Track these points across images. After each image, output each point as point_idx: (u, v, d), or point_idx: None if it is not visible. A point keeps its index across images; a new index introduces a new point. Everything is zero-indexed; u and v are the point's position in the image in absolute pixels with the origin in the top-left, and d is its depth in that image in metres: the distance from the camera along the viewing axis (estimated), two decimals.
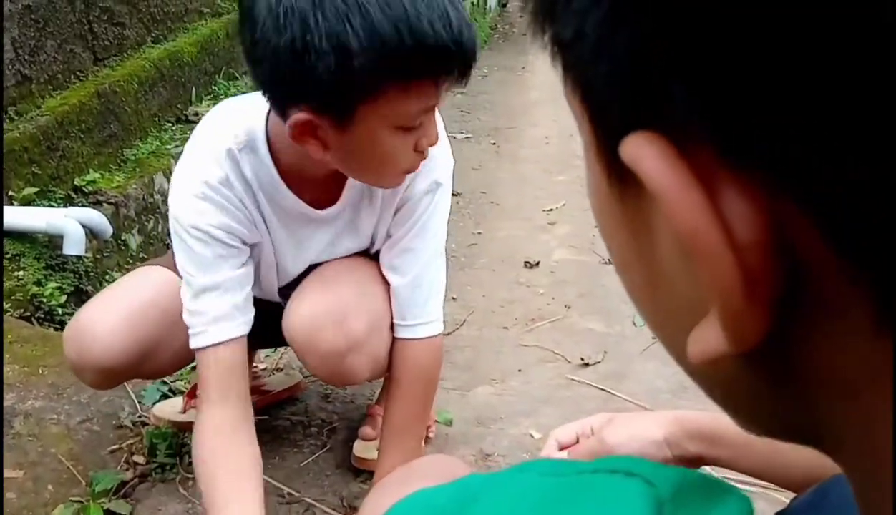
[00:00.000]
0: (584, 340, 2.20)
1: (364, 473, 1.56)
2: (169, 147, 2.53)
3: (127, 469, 1.56)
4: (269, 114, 1.15)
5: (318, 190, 1.24)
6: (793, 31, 0.18)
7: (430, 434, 1.66)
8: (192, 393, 1.57)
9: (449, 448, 1.68)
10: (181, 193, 1.17)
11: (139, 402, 1.73)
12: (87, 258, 2.13)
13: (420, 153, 1.10)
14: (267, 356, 1.97)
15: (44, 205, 2.10)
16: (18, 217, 2.00)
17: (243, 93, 1.54)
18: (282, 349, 1.89)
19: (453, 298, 2.46)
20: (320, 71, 0.93)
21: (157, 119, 2.53)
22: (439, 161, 1.26)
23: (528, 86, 6.69)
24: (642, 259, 0.27)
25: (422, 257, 1.29)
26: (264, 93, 1.04)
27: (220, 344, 1.18)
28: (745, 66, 0.19)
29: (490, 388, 1.95)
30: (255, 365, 1.84)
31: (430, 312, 1.31)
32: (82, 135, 2.20)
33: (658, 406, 1.84)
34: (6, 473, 1.44)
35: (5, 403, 1.59)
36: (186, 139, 1.26)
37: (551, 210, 3.42)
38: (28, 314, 1.96)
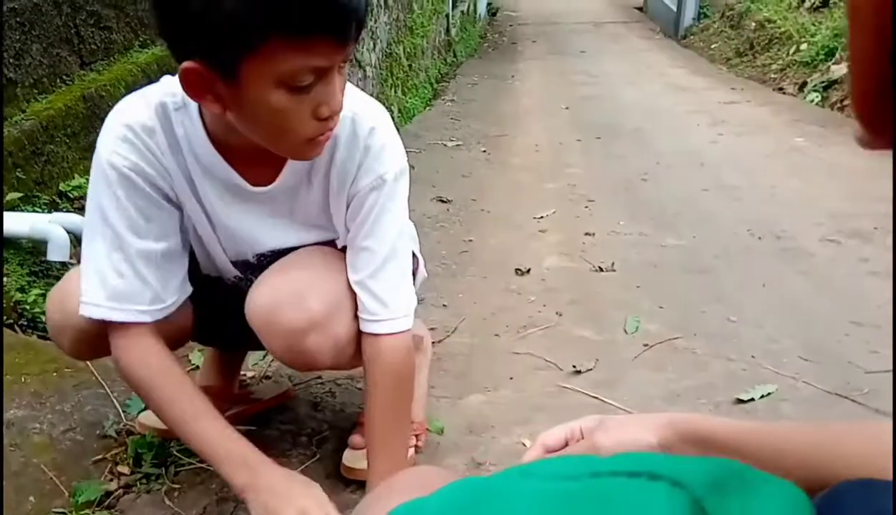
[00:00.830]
0: (575, 348, 2.19)
1: (354, 483, 1.53)
2: None
3: (111, 480, 1.53)
4: None
5: (257, 166, 1.23)
6: None
7: (420, 443, 1.64)
8: None
9: (440, 457, 1.65)
10: (104, 133, 1.20)
11: (124, 411, 1.70)
12: (71, 264, 2.10)
13: (323, 121, 1.08)
14: (255, 364, 1.95)
15: (28, 211, 2.07)
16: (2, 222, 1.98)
17: None
18: (270, 357, 1.87)
19: (444, 305, 2.45)
20: (195, 15, 0.96)
21: None
22: (384, 155, 1.25)
23: (519, 94, 6.70)
24: None
25: (378, 255, 1.28)
26: (169, 49, 1.06)
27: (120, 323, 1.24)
28: None
29: (482, 396, 1.93)
30: (242, 373, 1.82)
31: (394, 309, 1.29)
32: (68, 140, 2.18)
33: (650, 413, 1.82)
34: None
35: None
36: None
37: (542, 217, 3.41)
38: (11, 321, 1.93)
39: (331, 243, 1.37)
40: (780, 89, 6.24)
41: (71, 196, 2.19)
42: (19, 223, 1.99)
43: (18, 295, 1.97)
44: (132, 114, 1.19)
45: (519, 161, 4.46)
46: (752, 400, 1.89)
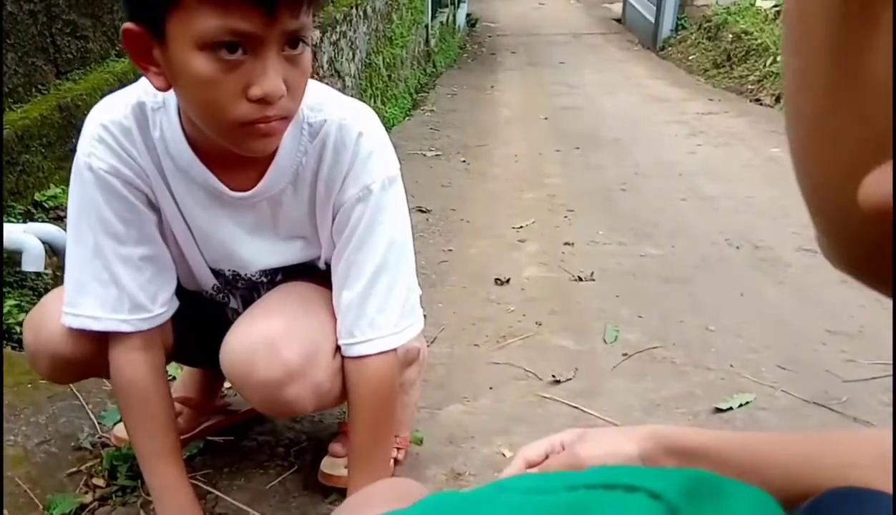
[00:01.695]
0: (555, 357, 2.19)
1: (333, 493, 1.53)
2: None
3: (86, 493, 1.51)
4: None
5: (238, 170, 1.19)
6: None
7: (400, 457, 1.63)
8: None
9: (420, 468, 1.65)
10: (83, 133, 1.18)
11: (99, 423, 1.68)
12: (46, 275, 2.08)
13: (257, 105, 0.99)
14: None
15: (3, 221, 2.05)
16: None
17: None
18: None
19: (424, 315, 2.44)
20: None
21: None
22: (371, 162, 1.20)
23: (498, 104, 6.72)
24: (843, 59, 0.24)
25: (366, 270, 1.23)
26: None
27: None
28: None
29: (461, 406, 1.93)
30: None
31: (380, 327, 1.24)
32: (43, 150, 2.15)
33: (629, 423, 1.83)
34: None
35: None
36: None
37: (521, 227, 3.42)
38: None
39: (314, 261, 1.34)
40: (757, 100, 6.31)
41: (46, 206, 2.17)
42: None
43: None
44: (109, 115, 1.17)
45: (498, 171, 4.47)
46: (731, 408, 1.90)
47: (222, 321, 1.39)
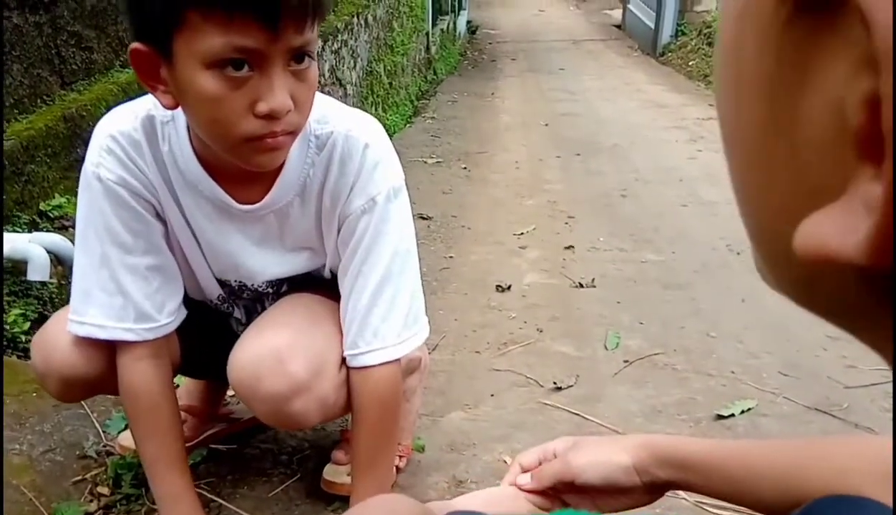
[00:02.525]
0: (556, 364, 2.20)
1: (336, 501, 1.53)
2: None
3: (91, 501, 1.52)
4: None
5: (245, 184, 1.20)
6: None
7: (402, 464, 1.63)
8: None
9: (421, 475, 1.66)
10: (91, 143, 1.19)
11: (104, 431, 1.69)
12: (51, 284, 2.09)
13: (263, 121, 1.00)
14: None
15: (8, 231, 2.06)
16: None
17: None
18: None
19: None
20: None
21: None
22: (377, 173, 1.21)
23: (498, 111, 6.73)
24: (776, 105, 0.24)
25: (371, 281, 1.23)
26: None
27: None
28: None
29: (463, 413, 1.94)
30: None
31: (383, 337, 1.25)
32: (48, 160, 2.17)
33: (631, 430, 1.84)
34: None
35: None
36: None
37: (522, 234, 3.43)
38: None
39: (319, 270, 1.35)
40: None
41: (51, 215, 2.18)
42: None
43: None
44: (118, 126, 1.18)
45: (499, 177, 4.49)
46: (733, 415, 1.91)
47: (226, 331, 1.40)
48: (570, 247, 3.24)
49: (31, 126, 2.15)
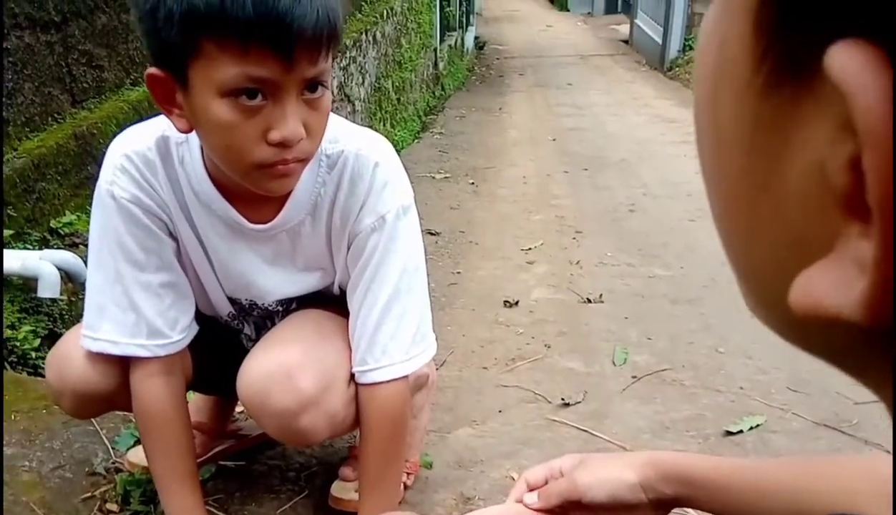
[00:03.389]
0: (564, 380, 2.20)
1: None
2: None
3: None
4: None
5: (258, 203, 1.21)
6: None
7: (409, 481, 1.63)
8: None
9: (429, 492, 1.65)
10: (106, 162, 1.20)
11: (113, 448, 1.70)
12: (61, 301, 2.11)
13: (275, 148, 1.01)
14: None
15: (19, 248, 2.08)
16: None
17: None
18: None
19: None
20: (147, 13, 0.97)
21: None
22: (386, 192, 1.22)
23: (506, 126, 6.75)
24: (758, 169, 0.24)
25: (380, 298, 1.24)
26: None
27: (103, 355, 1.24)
28: None
29: (470, 430, 1.94)
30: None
31: (391, 354, 1.26)
32: (59, 178, 2.19)
33: (639, 446, 1.83)
34: None
35: None
36: None
37: (530, 249, 3.44)
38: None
39: (329, 287, 1.36)
40: None
41: (62, 232, 2.20)
42: (10, 260, 2.00)
43: (9, 332, 1.97)
44: (133, 145, 1.19)
45: (506, 193, 4.50)
46: (741, 431, 1.90)
47: (236, 347, 1.41)
48: (578, 262, 3.24)
49: (42, 144, 2.17)
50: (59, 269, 2.02)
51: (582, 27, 15.49)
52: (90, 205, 1.28)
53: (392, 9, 6.05)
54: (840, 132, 0.20)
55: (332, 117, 1.21)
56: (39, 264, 1.99)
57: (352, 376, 1.28)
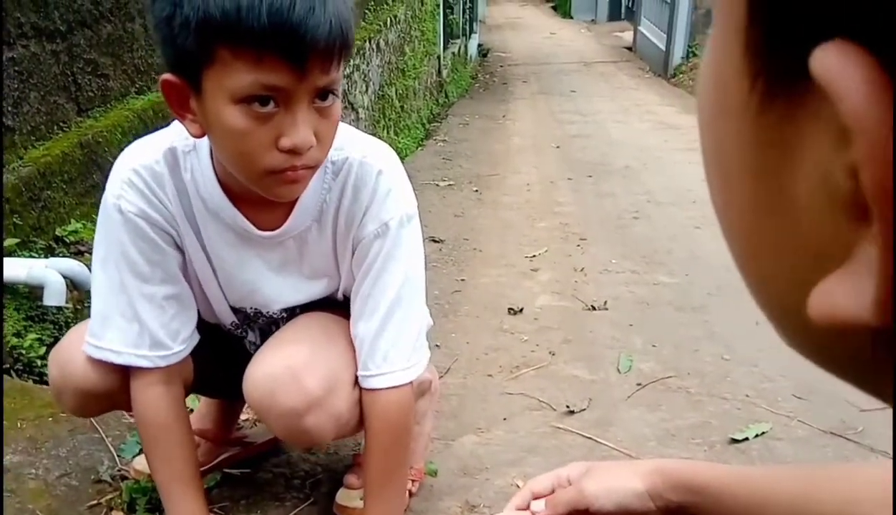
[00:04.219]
0: (569, 387, 2.20)
1: None
2: None
3: None
4: None
5: (266, 210, 1.22)
6: None
7: (414, 489, 1.63)
8: None
9: (433, 500, 1.65)
10: (113, 175, 1.22)
11: (118, 455, 1.70)
12: (67, 309, 2.11)
13: (286, 155, 1.03)
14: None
15: (25, 256, 2.08)
16: None
17: None
18: None
19: (437, 346, 2.45)
20: (163, 21, 0.99)
21: None
22: (390, 200, 1.24)
23: (509, 133, 6.76)
24: (764, 183, 0.24)
25: (382, 305, 1.26)
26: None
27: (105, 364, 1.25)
28: None
29: (475, 437, 1.93)
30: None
31: (393, 361, 1.27)
32: (65, 186, 2.20)
33: (644, 453, 1.83)
34: None
35: None
36: None
37: (534, 256, 3.44)
38: (7, 366, 1.93)
39: (333, 294, 1.37)
40: None
41: (67, 241, 2.21)
42: (16, 268, 2.00)
43: (14, 340, 1.97)
44: (140, 159, 1.20)
45: (510, 200, 4.50)
46: (747, 439, 1.90)
47: (240, 351, 1.42)
48: (583, 269, 3.24)
49: (47, 152, 2.18)
50: (65, 277, 2.03)
51: (585, 34, 15.51)
52: (96, 213, 1.29)
53: (396, 17, 6.07)
54: (840, 139, 0.20)
55: (339, 125, 1.22)
56: (45, 272, 2.00)
57: (357, 378, 1.29)
